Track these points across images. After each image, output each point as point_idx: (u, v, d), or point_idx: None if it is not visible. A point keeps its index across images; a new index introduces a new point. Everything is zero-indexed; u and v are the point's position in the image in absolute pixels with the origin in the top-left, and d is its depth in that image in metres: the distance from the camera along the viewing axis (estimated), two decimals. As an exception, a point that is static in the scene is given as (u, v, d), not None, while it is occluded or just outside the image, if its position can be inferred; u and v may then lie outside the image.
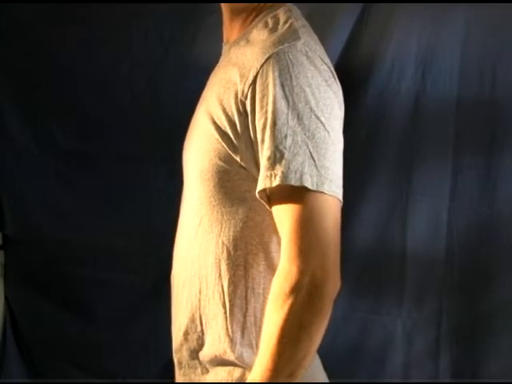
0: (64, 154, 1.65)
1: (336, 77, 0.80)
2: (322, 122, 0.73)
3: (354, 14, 1.45)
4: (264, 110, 0.73)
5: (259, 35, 0.82)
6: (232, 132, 0.77)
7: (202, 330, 0.88)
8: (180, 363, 0.94)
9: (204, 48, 1.48)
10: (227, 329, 0.84)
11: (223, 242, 0.83)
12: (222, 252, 0.84)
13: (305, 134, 0.72)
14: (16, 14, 1.58)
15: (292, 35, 0.78)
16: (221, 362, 0.87)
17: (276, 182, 0.71)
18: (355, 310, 1.53)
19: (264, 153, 0.73)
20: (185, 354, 0.92)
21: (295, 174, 0.71)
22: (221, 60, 0.92)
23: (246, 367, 0.83)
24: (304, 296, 0.71)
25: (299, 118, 0.72)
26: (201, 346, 0.89)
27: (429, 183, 1.47)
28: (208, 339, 0.87)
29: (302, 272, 0.71)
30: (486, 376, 1.45)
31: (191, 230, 0.89)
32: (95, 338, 1.70)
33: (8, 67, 1.62)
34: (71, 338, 1.71)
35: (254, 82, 0.75)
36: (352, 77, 1.40)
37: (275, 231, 0.81)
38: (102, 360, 1.71)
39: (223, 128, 0.78)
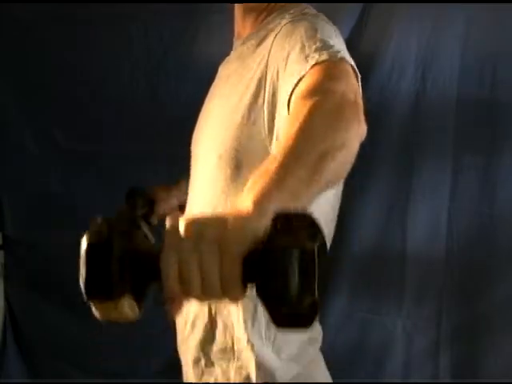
0: (64, 153, 1.65)
1: None
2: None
3: (353, 14, 1.46)
4: (289, 43, 0.75)
5: (278, 23, 0.84)
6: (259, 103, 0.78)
7: (211, 321, 0.88)
8: (185, 356, 0.94)
9: (204, 48, 1.48)
10: (238, 318, 0.84)
11: None
12: None
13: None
14: (16, 14, 1.58)
15: (312, 12, 0.83)
16: (228, 353, 0.87)
17: (312, 61, 0.69)
18: (355, 310, 1.53)
19: (290, 65, 0.73)
20: (191, 344, 0.92)
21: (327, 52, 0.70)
22: (232, 54, 0.94)
23: (255, 359, 0.83)
24: (337, 101, 0.63)
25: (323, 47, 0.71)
26: (208, 336, 0.89)
27: (429, 183, 1.47)
28: (218, 329, 0.87)
29: (335, 91, 0.64)
30: (485, 376, 1.45)
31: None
32: (95, 338, 1.70)
33: (8, 67, 1.62)
34: (71, 338, 1.71)
35: (277, 34, 0.79)
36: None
37: None
38: (102, 360, 1.71)
39: (248, 103, 0.79)
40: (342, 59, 0.70)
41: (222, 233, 0.46)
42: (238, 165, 0.83)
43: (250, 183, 0.54)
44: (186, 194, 1.14)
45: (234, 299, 0.48)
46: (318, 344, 0.94)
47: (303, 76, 0.68)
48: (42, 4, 1.55)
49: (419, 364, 1.52)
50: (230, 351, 0.86)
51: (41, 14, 1.56)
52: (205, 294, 0.47)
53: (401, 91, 1.46)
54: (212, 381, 0.89)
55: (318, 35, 0.73)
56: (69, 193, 1.68)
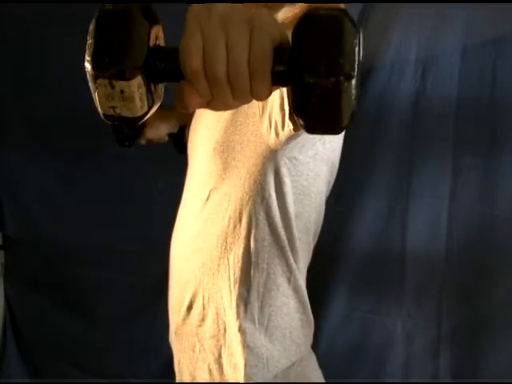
0: (64, 154, 1.65)
1: None
2: None
3: (353, 14, 1.45)
4: None
5: None
6: None
7: (204, 305, 0.88)
8: (179, 341, 0.94)
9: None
10: (231, 303, 0.84)
11: (230, 216, 0.84)
12: (229, 225, 0.84)
13: None
14: (16, 14, 1.58)
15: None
16: (220, 340, 0.87)
17: None
18: (355, 310, 1.53)
19: None
20: (186, 330, 0.92)
21: None
22: None
23: (246, 345, 0.83)
24: None
25: None
26: (202, 321, 0.89)
27: (429, 183, 1.47)
28: (210, 313, 0.88)
29: None
30: (486, 376, 1.45)
31: (197, 205, 0.90)
32: (95, 338, 1.70)
33: (8, 67, 1.62)
34: (71, 338, 1.71)
35: None
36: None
37: (282, 207, 0.82)
38: (101, 360, 1.71)
39: None
40: None
41: (253, 15, 0.41)
42: (231, 157, 0.83)
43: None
44: (175, 127, 1.15)
45: (260, 94, 0.42)
46: (310, 340, 0.94)
47: None
48: (41, 4, 1.55)
49: (419, 364, 1.52)
50: (221, 338, 0.87)
51: (41, 14, 1.56)
52: (230, 85, 0.40)
53: (401, 91, 1.46)
54: (205, 367, 0.89)
55: None
56: (69, 193, 1.68)
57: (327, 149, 0.85)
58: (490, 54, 1.41)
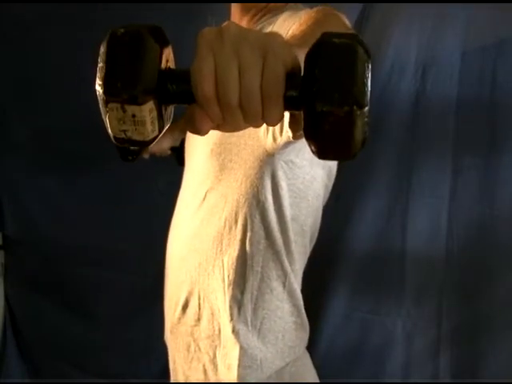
0: (64, 153, 1.65)
1: None
2: None
3: (353, 14, 1.45)
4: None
5: (275, 19, 0.84)
6: None
7: (200, 305, 0.89)
8: (175, 340, 0.94)
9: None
10: (225, 304, 0.85)
11: (226, 217, 0.84)
12: (224, 227, 0.85)
13: None
14: (16, 14, 1.58)
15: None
16: (215, 340, 0.87)
17: None
18: (355, 310, 1.53)
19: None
20: (182, 329, 0.92)
21: None
22: None
23: (240, 346, 0.83)
24: None
25: None
26: (198, 321, 0.89)
27: (429, 183, 1.47)
28: (206, 313, 0.88)
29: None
30: (486, 376, 1.45)
31: (194, 205, 0.90)
32: (95, 338, 1.70)
33: (8, 67, 1.62)
34: (71, 338, 1.71)
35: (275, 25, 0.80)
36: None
37: (278, 210, 0.82)
38: (101, 360, 1.71)
39: None
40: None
41: (265, 39, 0.40)
42: (227, 159, 0.84)
43: None
44: (177, 140, 1.16)
45: (271, 119, 0.41)
46: (304, 343, 0.94)
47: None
48: (41, 4, 1.55)
49: (419, 364, 1.52)
50: (216, 338, 0.87)
51: (41, 14, 1.56)
52: (242, 110, 0.40)
53: (401, 91, 1.46)
54: (200, 367, 0.89)
55: None
56: (69, 193, 1.68)
57: None
58: (490, 54, 1.41)
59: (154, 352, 1.64)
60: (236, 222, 0.84)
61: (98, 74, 0.41)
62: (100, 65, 0.41)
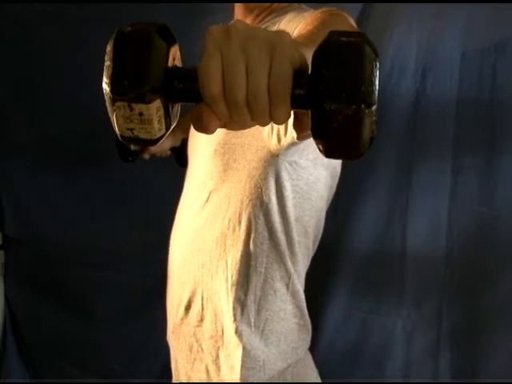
0: (64, 153, 1.65)
1: None
2: None
3: (353, 14, 1.45)
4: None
5: (278, 20, 0.84)
6: None
7: (203, 305, 0.89)
8: (177, 341, 0.94)
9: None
10: (228, 305, 0.84)
11: (230, 218, 0.84)
12: (228, 227, 0.85)
13: None
14: (16, 14, 1.58)
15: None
16: (218, 341, 0.87)
17: None
18: (355, 310, 1.53)
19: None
20: (184, 330, 0.92)
21: None
22: None
23: (243, 348, 0.83)
24: None
25: None
26: (201, 321, 0.89)
27: (429, 183, 1.47)
28: (209, 314, 0.88)
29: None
30: (485, 376, 1.45)
31: (197, 205, 0.90)
32: (95, 338, 1.70)
33: (8, 68, 1.62)
34: (71, 338, 1.71)
35: (279, 25, 0.80)
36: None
37: (282, 211, 0.82)
38: (102, 360, 1.71)
39: None
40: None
41: (273, 38, 0.40)
42: (231, 159, 0.84)
43: None
44: (178, 141, 1.16)
45: (279, 118, 0.41)
46: (307, 344, 0.94)
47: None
48: (41, 4, 1.55)
49: (419, 364, 1.51)
50: (219, 339, 0.87)
51: (41, 13, 1.56)
52: (249, 108, 0.40)
53: (401, 91, 1.46)
54: (203, 368, 0.89)
55: None
56: (69, 193, 1.68)
57: None
58: (490, 54, 1.41)
59: (154, 352, 1.64)
60: (240, 222, 0.83)
61: (105, 73, 0.41)
62: (107, 63, 0.41)
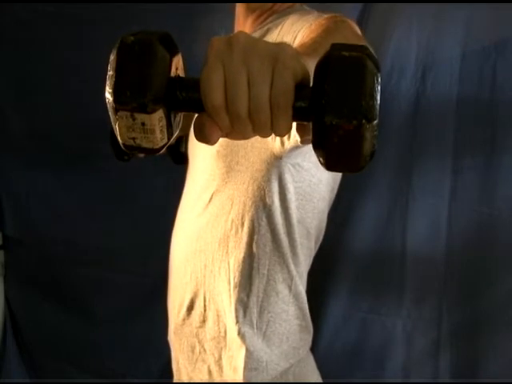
0: (64, 153, 1.65)
1: None
2: None
3: (353, 14, 1.45)
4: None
5: (281, 20, 0.83)
6: None
7: (205, 306, 0.89)
8: (179, 342, 0.94)
9: (204, 48, 1.48)
10: (230, 306, 0.85)
11: (233, 220, 0.84)
12: (231, 229, 0.85)
13: None
14: (16, 14, 1.58)
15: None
16: (220, 342, 0.87)
17: None
18: (355, 310, 1.53)
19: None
20: (186, 330, 0.92)
21: None
22: None
23: (246, 349, 0.83)
24: None
25: None
26: (203, 322, 0.89)
27: (429, 183, 1.47)
28: (211, 315, 0.88)
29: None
30: (485, 376, 1.45)
31: (199, 207, 0.90)
32: (95, 338, 1.70)
33: (8, 67, 1.62)
34: (71, 338, 1.71)
35: (283, 26, 0.80)
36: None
37: (284, 213, 0.82)
38: (102, 360, 1.71)
39: None
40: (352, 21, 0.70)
41: (276, 49, 0.40)
42: (234, 161, 0.84)
43: None
44: (175, 139, 1.15)
45: (280, 130, 0.41)
46: (308, 344, 0.94)
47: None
48: (41, 4, 1.55)
49: (419, 364, 1.51)
50: (222, 340, 0.87)
51: (41, 13, 1.56)
52: (251, 120, 0.40)
53: (401, 91, 1.46)
54: (205, 368, 0.89)
55: None
56: (69, 193, 1.68)
57: None
58: (490, 53, 1.41)
59: (154, 352, 1.64)
60: (242, 224, 0.83)
61: (108, 82, 0.41)
62: (110, 73, 0.41)
